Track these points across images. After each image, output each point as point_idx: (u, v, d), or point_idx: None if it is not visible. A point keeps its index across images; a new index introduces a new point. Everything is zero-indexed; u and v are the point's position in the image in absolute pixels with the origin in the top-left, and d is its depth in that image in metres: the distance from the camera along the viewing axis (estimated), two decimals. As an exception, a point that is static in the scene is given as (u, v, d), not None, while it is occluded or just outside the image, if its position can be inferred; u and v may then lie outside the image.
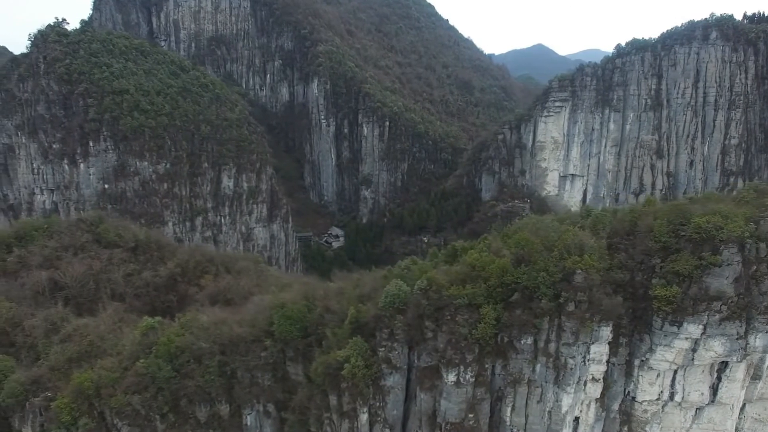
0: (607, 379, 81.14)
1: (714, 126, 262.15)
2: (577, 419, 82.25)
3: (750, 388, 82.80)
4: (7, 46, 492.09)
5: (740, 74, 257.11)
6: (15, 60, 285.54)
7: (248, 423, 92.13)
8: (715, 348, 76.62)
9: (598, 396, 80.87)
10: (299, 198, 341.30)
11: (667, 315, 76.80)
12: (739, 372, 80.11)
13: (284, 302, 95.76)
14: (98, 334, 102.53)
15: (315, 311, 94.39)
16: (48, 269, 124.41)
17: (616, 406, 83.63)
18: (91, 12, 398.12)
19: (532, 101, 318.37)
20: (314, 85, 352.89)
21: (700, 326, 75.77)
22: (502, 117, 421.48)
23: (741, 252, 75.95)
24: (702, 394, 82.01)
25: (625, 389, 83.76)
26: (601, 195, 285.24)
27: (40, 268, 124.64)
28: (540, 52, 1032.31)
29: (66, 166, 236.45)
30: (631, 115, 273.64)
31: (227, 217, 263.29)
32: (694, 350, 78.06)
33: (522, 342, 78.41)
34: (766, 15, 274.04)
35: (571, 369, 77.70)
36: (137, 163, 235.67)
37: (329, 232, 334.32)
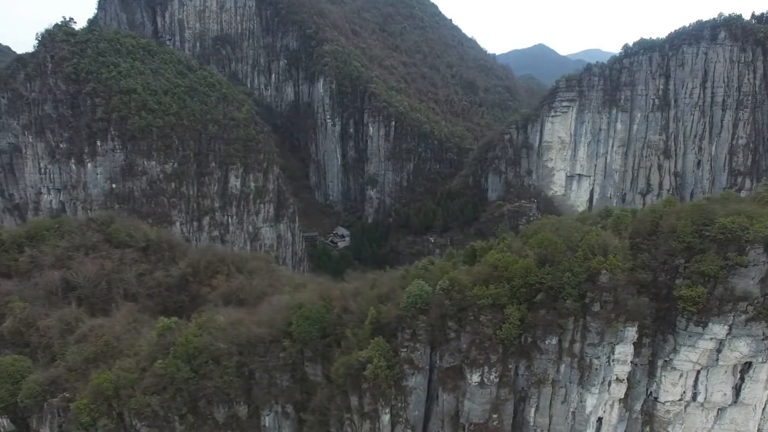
0: (631, 380, 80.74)
1: (722, 126, 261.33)
2: (600, 420, 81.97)
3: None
4: (10, 46, 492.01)
5: (748, 74, 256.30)
6: (20, 59, 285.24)
7: (266, 424, 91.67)
8: (741, 348, 76.18)
9: (622, 396, 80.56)
10: (304, 198, 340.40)
11: (692, 315, 76.44)
12: (762, 373, 79.69)
13: (302, 302, 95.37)
14: (114, 334, 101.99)
15: (333, 311, 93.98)
16: (60, 269, 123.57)
17: (638, 407, 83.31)
18: (95, 11, 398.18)
19: (539, 101, 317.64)
20: (320, 84, 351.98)
21: (726, 327, 75.36)
22: (507, 117, 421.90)
23: (767, 252, 75.37)
24: (725, 394, 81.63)
25: (647, 389, 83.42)
26: (608, 195, 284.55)
27: (53, 268, 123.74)
28: (541, 52, 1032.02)
29: (73, 166, 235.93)
30: (639, 115, 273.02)
31: (234, 217, 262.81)
32: (718, 351, 77.72)
33: (546, 342, 78.07)
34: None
35: (596, 369, 77.48)
36: (145, 162, 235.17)
37: (335, 231, 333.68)
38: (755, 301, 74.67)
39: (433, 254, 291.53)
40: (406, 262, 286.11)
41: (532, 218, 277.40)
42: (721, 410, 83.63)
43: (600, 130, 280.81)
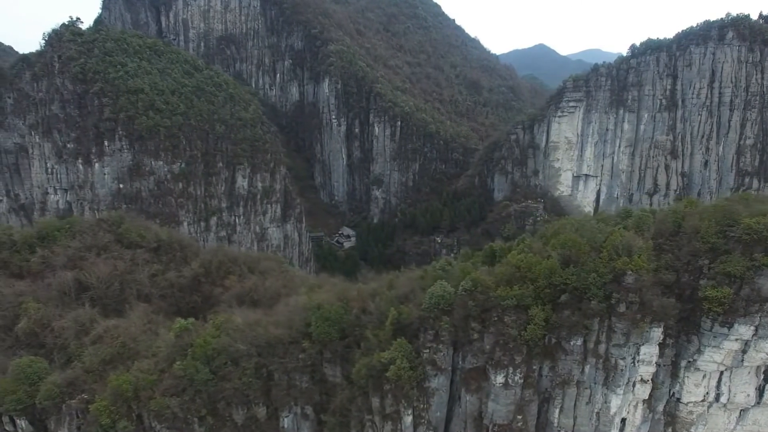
0: (654, 380, 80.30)
1: (729, 126, 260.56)
2: (623, 420, 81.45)
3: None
4: (12, 45, 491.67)
5: (756, 74, 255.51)
6: (25, 59, 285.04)
7: (285, 425, 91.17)
8: (767, 349, 75.68)
9: (646, 397, 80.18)
10: (309, 198, 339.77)
11: (718, 316, 76.05)
12: (787, 373, 79.49)
13: (320, 303, 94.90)
14: (129, 335, 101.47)
15: (351, 312, 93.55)
16: (72, 270, 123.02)
17: (661, 408, 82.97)
18: (100, 11, 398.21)
19: (546, 101, 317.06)
20: (325, 84, 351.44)
21: (752, 327, 75.00)
22: (511, 117, 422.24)
23: (794, 253, 75.03)
24: (748, 395, 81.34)
25: (669, 390, 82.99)
26: (615, 195, 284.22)
27: (65, 269, 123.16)
28: (542, 52, 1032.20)
29: (80, 166, 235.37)
30: (646, 116, 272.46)
31: (241, 217, 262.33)
32: (743, 351, 77.39)
33: (571, 343, 77.62)
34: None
35: (621, 370, 77.05)
36: (152, 162, 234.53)
37: (340, 232, 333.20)
38: (782, 302, 74.26)
39: (440, 254, 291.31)
40: (412, 262, 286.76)
41: (539, 218, 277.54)
42: (743, 411, 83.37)
43: (607, 130, 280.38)
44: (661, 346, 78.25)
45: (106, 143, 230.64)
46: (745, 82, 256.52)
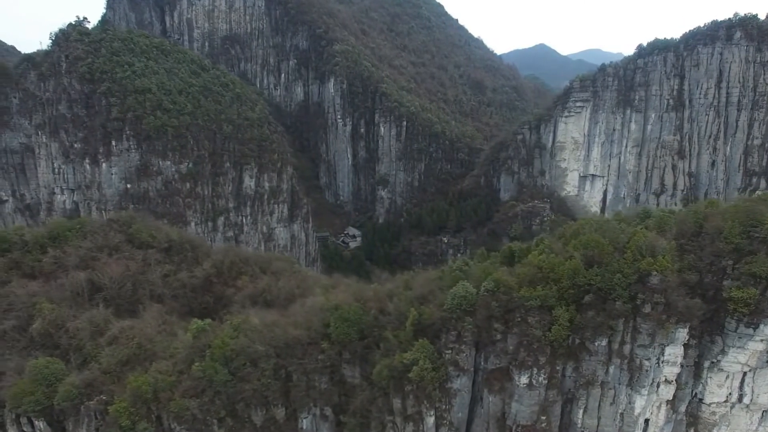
0: (678, 381, 79.98)
1: (737, 126, 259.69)
2: (646, 421, 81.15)
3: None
4: (15, 45, 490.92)
5: (764, 74, 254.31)
6: (30, 59, 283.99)
7: (304, 427, 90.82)
8: (792, 350, 75.58)
9: (670, 398, 79.83)
10: (314, 197, 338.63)
11: (743, 317, 75.75)
12: (812, 374, 79.16)
13: (338, 304, 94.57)
14: (145, 336, 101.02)
15: (369, 313, 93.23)
16: (84, 270, 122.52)
17: (683, 408, 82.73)
18: (104, 10, 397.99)
19: (552, 101, 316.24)
20: (330, 84, 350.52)
21: (778, 328, 74.63)
22: (515, 117, 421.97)
23: (820, 253, 74.72)
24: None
25: (692, 391, 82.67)
26: (622, 195, 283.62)
27: (77, 269, 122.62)
28: (542, 51, 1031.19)
29: (87, 166, 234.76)
30: (653, 116, 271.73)
31: (249, 217, 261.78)
32: (768, 352, 77.05)
33: (596, 344, 77.39)
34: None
35: (646, 371, 76.75)
36: (160, 162, 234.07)
37: (346, 232, 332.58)
38: (809, 303, 73.99)
39: (447, 254, 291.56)
40: (419, 262, 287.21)
41: (546, 219, 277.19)
42: (766, 412, 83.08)
43: (614, 130, 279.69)
44: (685, 346, 78.03)
45: (113, 143, 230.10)
46: (753, 82, 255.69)
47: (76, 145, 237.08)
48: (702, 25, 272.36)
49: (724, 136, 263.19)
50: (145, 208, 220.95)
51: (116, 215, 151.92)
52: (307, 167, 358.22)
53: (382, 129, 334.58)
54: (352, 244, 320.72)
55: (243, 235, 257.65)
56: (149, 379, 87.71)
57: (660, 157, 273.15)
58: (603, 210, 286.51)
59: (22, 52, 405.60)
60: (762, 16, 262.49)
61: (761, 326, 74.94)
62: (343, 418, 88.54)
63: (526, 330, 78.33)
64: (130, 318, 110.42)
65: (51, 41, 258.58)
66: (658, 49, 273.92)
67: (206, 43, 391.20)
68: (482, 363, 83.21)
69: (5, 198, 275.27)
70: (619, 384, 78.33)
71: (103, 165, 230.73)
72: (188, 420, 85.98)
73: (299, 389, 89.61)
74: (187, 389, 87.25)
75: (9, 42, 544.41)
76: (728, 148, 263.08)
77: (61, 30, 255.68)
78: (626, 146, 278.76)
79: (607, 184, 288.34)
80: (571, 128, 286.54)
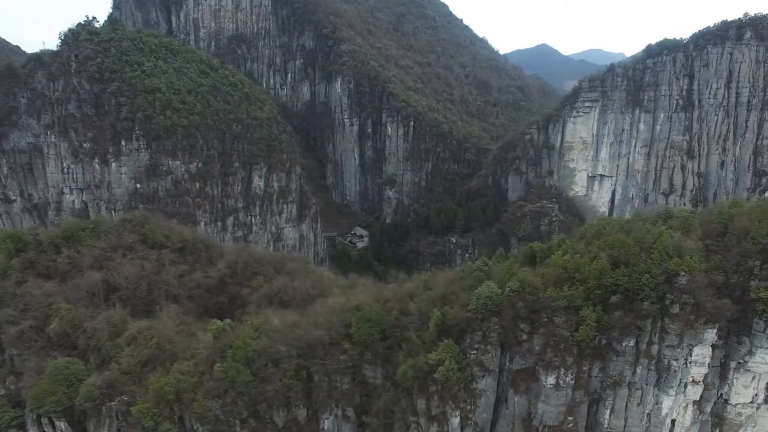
0: (705, 381, 79.62)
1: (746, 126, 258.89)
2: (673, 422, 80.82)
3: None
4: (20, 45, 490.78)
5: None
6: (37, 59, 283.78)
7: (325, 427, 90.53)
8: (821, 351, 75.21)
9: (697, 398, 79.56)
10: (321, 198, 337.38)
11: (772, 317, 75.37)
12: (839, 375, 78.83)
13: (359, 304, 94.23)
14: (164, 336, 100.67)
15: (390, 313, 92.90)
16: (99, 270, 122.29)
17: (708, 409, 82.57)
18: (111, 10, 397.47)
19: (560, 101, 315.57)
20: (337, 84, 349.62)
21: (807, 329, 74.30)
22: (521, 117, 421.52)
23: None
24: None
25: (717, 391, 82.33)
26: (630, 196, 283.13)
27: (91, 269, 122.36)
28: (544, 51, 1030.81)
29: (97, 166, 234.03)
30: (662, 116, 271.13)
31: (258, 217, 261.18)
32: (797, 353, 76.68)
33: (623, 344, 77.12)
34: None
35: (674, 371, 76.33)
36: (169, 162, 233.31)
37: (353, 232, 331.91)
38: (839, 303, 73.66)
39: (455, 255, 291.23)
40: (427, 262, 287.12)
41: (554, 219, 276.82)
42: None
43: (623, 130, 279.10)
44: (711, 347, 77.79)
45: (123, 143, 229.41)
46: (763, 82, 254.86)
47: (85, 145, 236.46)
48: (711, 25, 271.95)
49: (733, 137, 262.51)
50: (154, 208, 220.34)
51: (129, 215, 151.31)
52: (314, 167, 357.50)
53: (389, 129, 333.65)
54: (360, 244, 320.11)
55: (252, 235, 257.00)
56: (171, 380, 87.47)
57: (669, 158, 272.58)
58: (611, 210, 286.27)
59: (27, 52, 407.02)
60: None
61: (790, 327, 74.56)
62: (365, 419, 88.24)
63: (553, 330, 78.02)
64: (145, 318, 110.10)
65: (60, 41, 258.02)
66: (667, 49, 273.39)
67: (212, 43, 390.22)
68: (507, 363, 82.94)
69: (13, 198, 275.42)
70: (647, 384, 77.99)
71: (113, 165, 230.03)
72: (211, 421, 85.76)
73: (321, 390, 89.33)
74: (210, 390, 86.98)
75: (15, 42, 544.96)
76: (738, 149, 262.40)
77: (70, 30, 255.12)
78: (635, 146, 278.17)
79: (615, 185, 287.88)
80: (580, 128, 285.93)
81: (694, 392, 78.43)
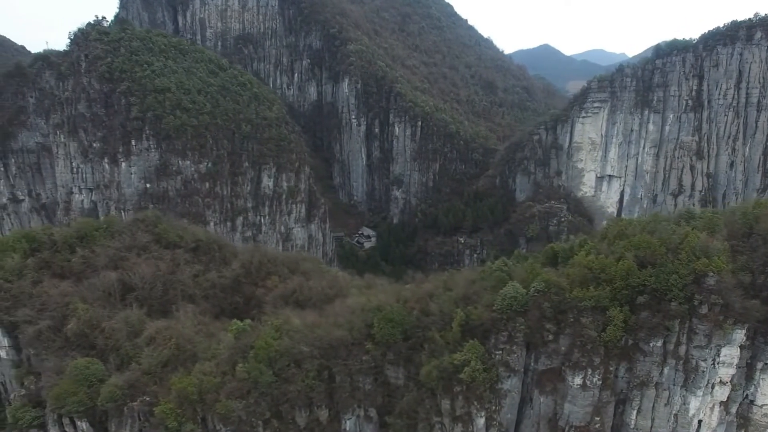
0: (732, 382, 79.27)
1: (756, 127, 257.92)
2: (699, 423, 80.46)
3: None
4: (25, 45, 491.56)
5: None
6: (44, 58, 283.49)
7: (347, 428, 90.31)
8: None
9: (724, 399, 79.18)
10: (328, 198, 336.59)
11: (799, 318, 75.03)
12: None
13: (381, 305, 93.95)
14: (184, 337, 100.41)
15: (412, 314, 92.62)
16: (114, 270, 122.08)
17: (734, 409, 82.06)
18: (117, 10, 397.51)
19: (569, 102, 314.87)
20: (345, 84, 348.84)
21: (836, 330, 73.90)
22: (527, 117, 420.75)
23: None
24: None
25: (743, 392, 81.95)
26: (639, 196, 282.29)
27: (106, 269, 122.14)
28: (546, 52, 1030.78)
29: (106, 165, 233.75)
30: (671, 116, 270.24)
31: (267, 217, 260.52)
32: (824, 354, 76.31)
33: (651, 344, 76.82)
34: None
35: (702, 372, 75.98)
36: (179, 162, 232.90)
37: (360, 232, 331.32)
38: None
39: (463, 255, 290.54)
40: (435, 262, 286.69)
41: (563, 219, 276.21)
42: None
43: (631, 131, 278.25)
44: (739, 348, 77.26)
45: (133, 142, 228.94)
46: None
47: (95, 145, 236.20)
48: (721, 26, 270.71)
49: (743, 137, 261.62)
50: (164, 208, 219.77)
51: (142, 215, 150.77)
52: (321, 167, 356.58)
53: (397, 129, 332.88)
54: (367, 245, 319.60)
55: (261, 235, 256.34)
56: (194, 381, 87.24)
57: (678, 158, 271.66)
58: (619, 211, 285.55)
59: (31, 52, 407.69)
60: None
61: (818, 328, 74.17)
62: (388, 419, 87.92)
63: (580, 331, 77.77)
64: (162, 318, 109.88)
65: (69, 40, 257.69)
66: (676, 49, 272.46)
67: (219, 43, 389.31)
68: (532, 364, 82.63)
69: (21, 197, 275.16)
70: (674, 385, 77.69)
71: (123, 164, 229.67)
72: (234, 421, 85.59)
73: (343, 390, 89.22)
74: (233, 390, 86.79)
75: (20, 42, 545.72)
76: (747, 149, 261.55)
77: (80, 29, 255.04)
78: (644, 147, 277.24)
79: (624, 185, 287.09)
80: (589, 129, 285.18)
81: (722, 393, 78.11)
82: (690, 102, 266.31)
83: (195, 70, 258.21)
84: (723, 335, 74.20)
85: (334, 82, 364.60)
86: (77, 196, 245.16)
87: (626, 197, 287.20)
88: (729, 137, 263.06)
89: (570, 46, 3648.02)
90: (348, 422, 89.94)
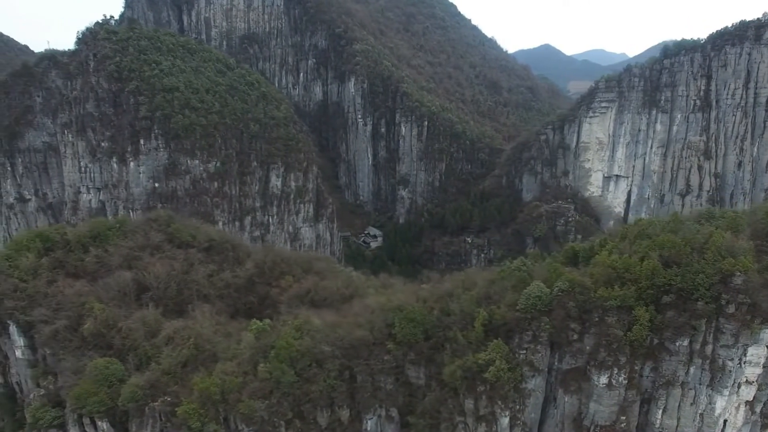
0: (758, 382, 79.04)
1: (764, 127, 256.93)
2: (724, 422, 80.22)
3: None
4: (29, 45, 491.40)
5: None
6: (51, 58, 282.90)
7: (368, 428, 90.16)
8: None
9: (750, 399, 78.92)
10: (334, 197, 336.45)
11: (824, 318, 74.73)
12: None
13: (401, 304, 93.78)
14: (202, 336, 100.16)
15: (432, 313, 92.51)
16: (128, 269, 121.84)
17: (759, 409, 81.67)
18: (123, 9, 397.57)
19: (576, 101, 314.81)
20: (351, 84, 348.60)
21: None
22: (531, 117, 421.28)
23: None
24: None
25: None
26: (646, 196, 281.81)
27: (120, 269, 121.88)
28: (547, 52, 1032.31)
29: (115, 165, 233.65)
30: (679, 116, 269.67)
31: (275, 217, 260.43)
32: None
33: (677, 344, 76.57)
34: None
35: (729, 371, 75.72)
36: (188, 161, 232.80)
37: (366, 231, 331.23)
38: None
39: (471, 255, 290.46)
40: (442, 262, 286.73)
41: (570, 219, 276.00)
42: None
43: (639, 130, 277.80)
44: (766, 347, 77.01)
45: (141, 142, 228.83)
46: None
47: (103, 144, 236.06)
48: (729, 26, 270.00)
49: (751, 137, 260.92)
50: (172, 208, 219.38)
51: (154, 214, 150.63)
52: (326, 167, 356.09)
53: (403, 129, 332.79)
54: (374, 244, 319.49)
55: (269, 234, 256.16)
56: (216, 381, 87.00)
57: (686, 158, 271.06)
58: (627, 211, 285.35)
59: (35, 51, 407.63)
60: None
61: (844, 328, 73.92)
62: (410, 419, 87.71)
63: (606, 330, 77.62)
64: (177, 318, 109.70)
65: (77, 39, 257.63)
66: (684, 49, 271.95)
67: (224, 42, 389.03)
68: (556, 363, 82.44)
69: (28, 197, 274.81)
70: (700, 384, 77.44)
71: (131, 164, 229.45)
72: (257, 421, 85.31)
73: (365, 390, 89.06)
74: (255, 390, 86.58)
75: (23, 41, 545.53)
76: (755, 149, 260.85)
77: (88, 29, 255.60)
78: (651, 147, 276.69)
79: (631, 185, 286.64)
80: (596, 128, 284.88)
81: (748, 392, 77.87)
82: (698, 102, 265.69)
83: (203, 69, 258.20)
84: (750, 335, 73.95)
85: (339, 82, 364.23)
86: (85, 195, 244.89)
87: (633, 197, 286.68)
88: (737, 137, 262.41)
89: (570, 46, 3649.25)
90: (369, 422, 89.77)
